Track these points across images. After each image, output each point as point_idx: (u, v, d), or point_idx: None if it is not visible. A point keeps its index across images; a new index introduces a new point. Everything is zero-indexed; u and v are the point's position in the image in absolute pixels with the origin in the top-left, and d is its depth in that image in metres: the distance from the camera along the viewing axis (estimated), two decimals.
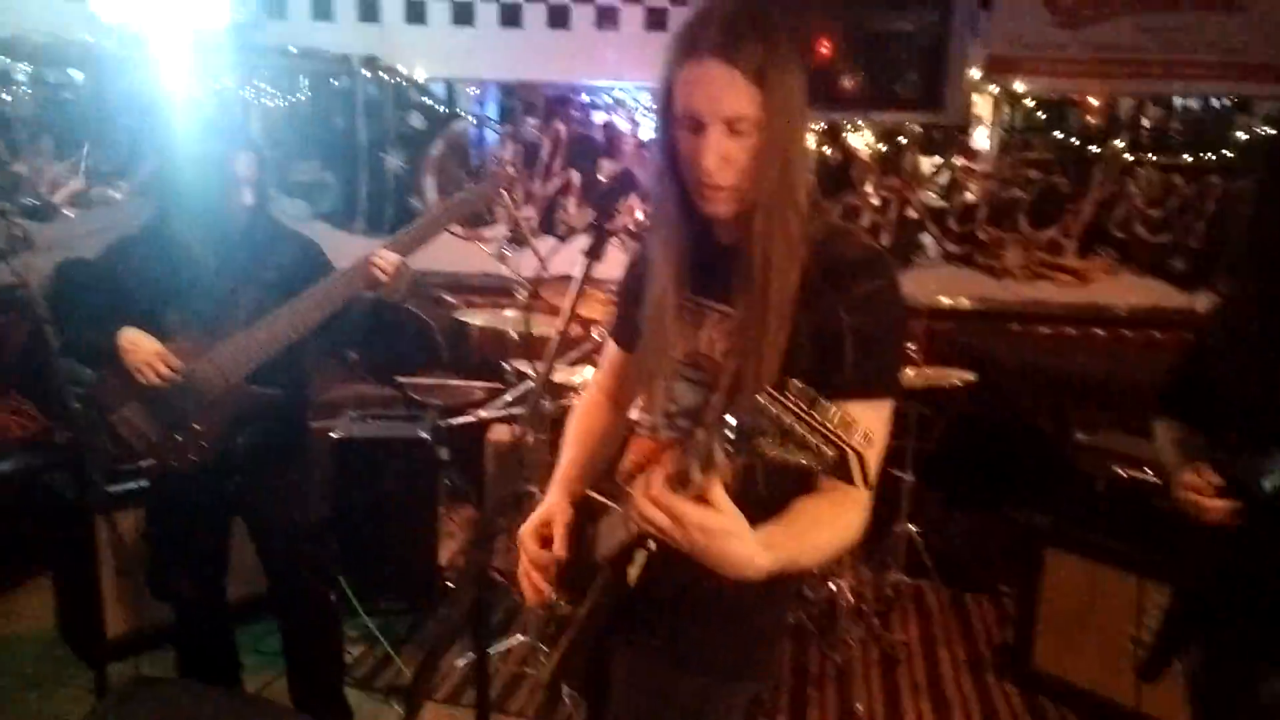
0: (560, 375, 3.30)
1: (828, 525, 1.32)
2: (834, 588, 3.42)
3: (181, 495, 2.55)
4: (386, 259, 2.40)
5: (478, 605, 1.35)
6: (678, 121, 1.32)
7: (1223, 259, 4.23)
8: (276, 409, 2.53)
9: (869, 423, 1.06)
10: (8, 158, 4.08)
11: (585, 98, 4.90)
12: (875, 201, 4.51)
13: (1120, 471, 2.90)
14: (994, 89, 4.46)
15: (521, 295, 3.52)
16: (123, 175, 4.58)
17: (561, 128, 4.75)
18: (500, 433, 3.94)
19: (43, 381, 3.64)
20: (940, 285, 4.42)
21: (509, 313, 3.58)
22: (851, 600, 3.43)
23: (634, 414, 1.61)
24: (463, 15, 4.69)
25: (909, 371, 3.34)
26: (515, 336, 3.58)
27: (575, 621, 1.49)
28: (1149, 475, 2.85)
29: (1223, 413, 1.78)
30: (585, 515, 1.54)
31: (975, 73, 4.37)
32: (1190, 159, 4.40)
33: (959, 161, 4.55)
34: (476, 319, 3.74)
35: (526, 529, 1.56)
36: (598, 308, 3.31)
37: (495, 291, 4.35)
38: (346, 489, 3.49)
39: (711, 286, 1.43)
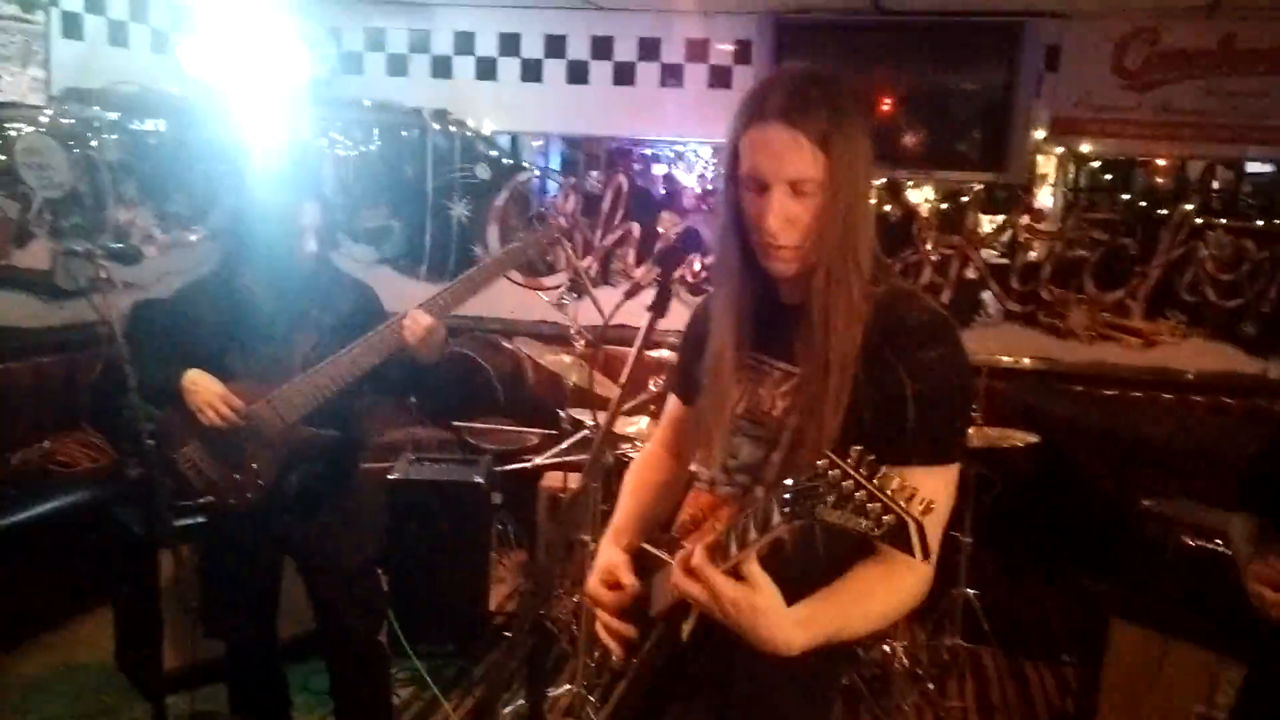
0: (617, 425, 3.31)
1: (880, 596, 1.31)
2: (888, 650, 3.35)
3: (236, 534, 2.60)
4: (418, 322, 2.41)
5: (534, 653, 1.35)
6: (743, 182, 1.34)
7: None
8: (330, 450, 2.58)
9: (931, 489, 1.05)
10: (94, 202, 4.26)
11: (647, 151, 4.99)
12: (935, 259, 4.49)
13: (1189, 541, 2.81)
14: (1058, 149, 4.43)
15: (579, 344, 3.57)
16: (199, 220, 4.76)
17: (623, 180, 4.83)
18: (554, 480, 3.96)
19: (116, 417, 3.77)
20: (1001, 344, 4.36)
21: (566, 359, 3.62)
22: (906, 663, 3.35)
23: (693, 467, 1.61)
24: (531, 72, 4.83)
25: (969, 431, 3.29)
26: (571, 384, 3.62)
27: (628, 675, 1.48)
28: (1219, 546, 2.76)
29: None
30: (641, 570, 1.54)
31: (1039, 133, 4.36)
32: (1262, 223, 4.31)
33: (1022, 220, 4.52)
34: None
35: (593, 583, 1.56)
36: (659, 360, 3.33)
37: (553, 339, 4.41)
38: (400, 530, 3.53)
39: (774, 344, 1.44)
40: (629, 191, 4.84)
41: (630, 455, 3.47)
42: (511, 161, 5.07)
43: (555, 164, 5.28)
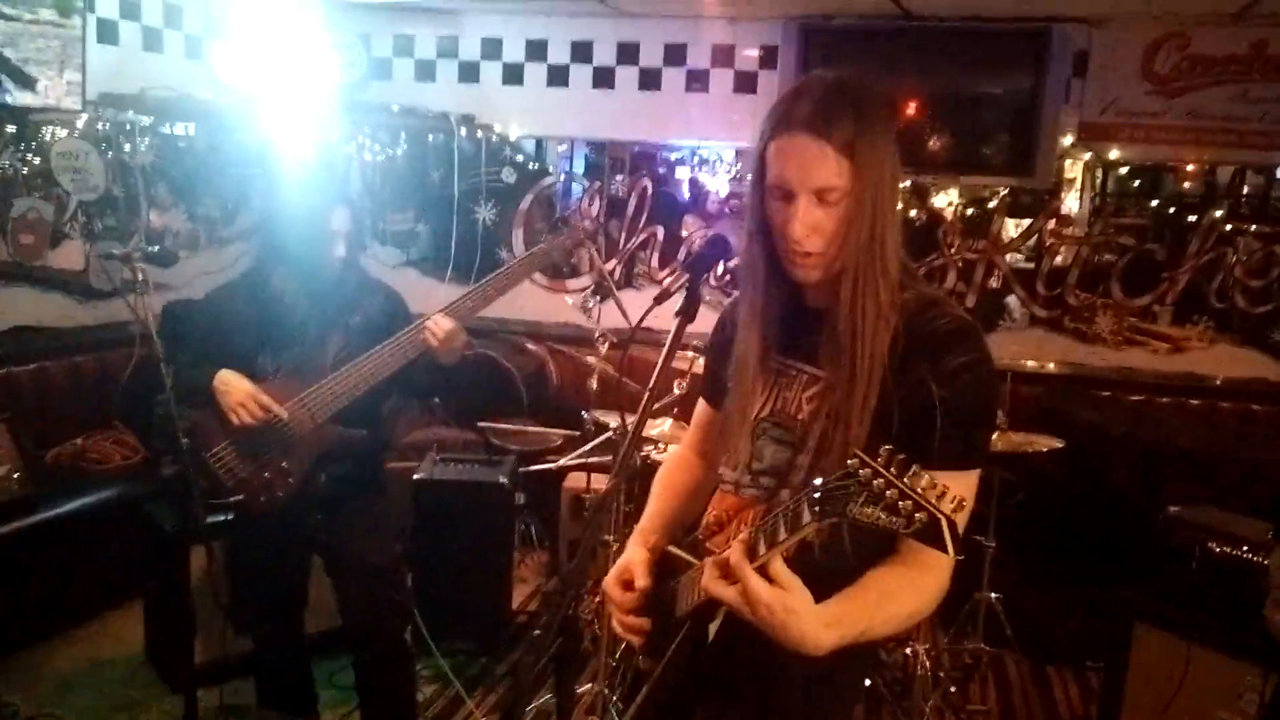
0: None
1: (904, 597, 1.33)
2: (910, 652, 3.35)
3: (265, 532, 2.64)
4: (439, 326, 2.46)
5: (562, 651, 1.38)
6: (769, 190, 1.36)
7: None
8: (358, 450, 2.63)
9: (958, 491, 1.07)
10: (127, 205, 4.34)
11: (671, 155, 5.01)
12: (961, 263, 4.48)
13: (1215, 547, 2.80)
14: (1086, 154, 4.41)
15: (603, 347, 3.59)
16: (229, 223, 4.84)
17: (647, 184, 4.86)
18: (577, 480, 3.99)
19: (149, 415, 3.83)
20: (1026, 348, 4.36)
21: (590, 360, 3.65)
22: (928, 666, 3.35)
23: (719, 469, 1.63)
24: (557, 77, 4.86)
25: (993, 436, 3.29)
26: (595, 386, 3.64)
27: (653, 676, 1.50)
28: (1246, 553, 2.74)
29: None
30: (667, 571, 1.56)
31: (1067, 138, 4.34)
32: None
33: (1049, 225, 4.50)
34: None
35: (609, 580, 1.59)
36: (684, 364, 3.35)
37: (577, 342, 4.43)
38: (424, 529, 3.56)
39: (799, 348, 1.45)
40: (653, 195, 4.87)
41: (654, 457, 3.49)
42: (537, 166, 5.11)
43: (580, 168, 5.30)
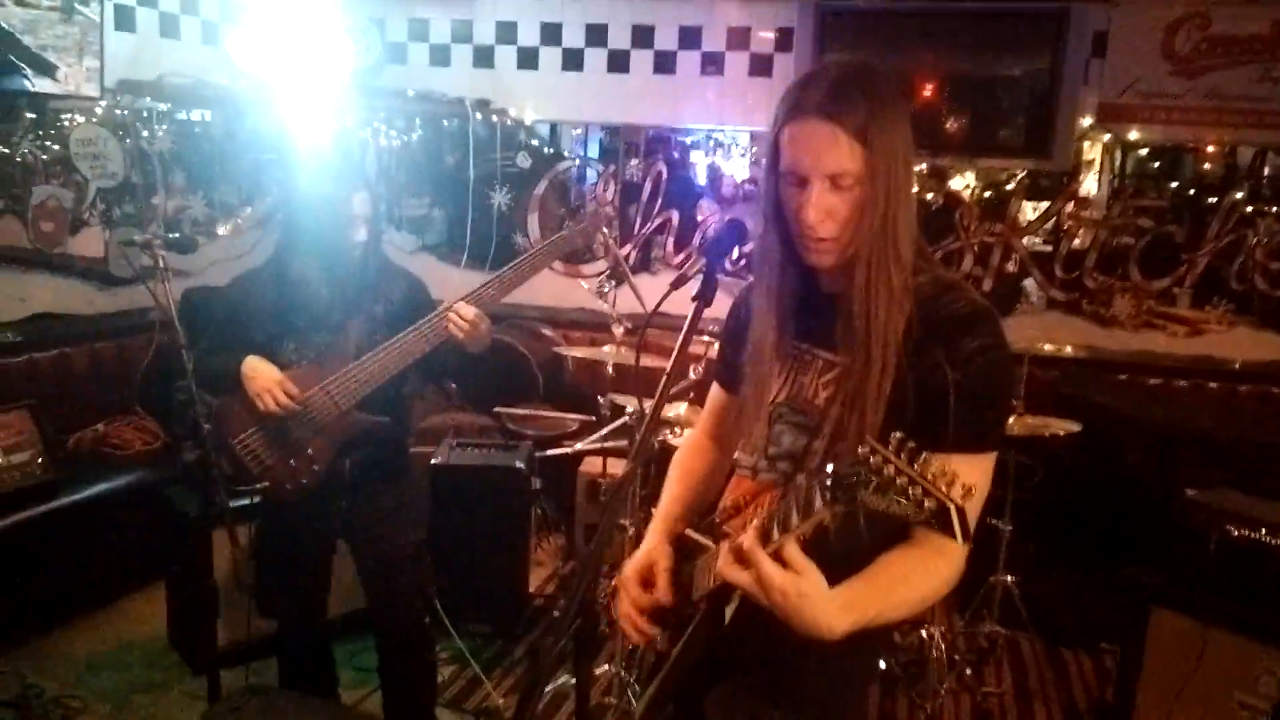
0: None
1: (917, 581, 1.33)
2: (925, 635, 3.36)
3: (291, 517, 2.66)
4: (464, 314, 2.45)
5: (581, 632, 1.39)
6: (783, 175, 1.36)
7: None
8: (382, 435, 2.64)
9: (970, 476, 1.07)
10: (145, 192, 4.38)
11: (686, 139, 5.00)
12: (978, 246, 4.46)
13: (1233, 530, 2.79)
14: (1105, 136, 4.38)
15: (619, 331, 3.60)
16: (246, 209, 4.87)
17: (662, 168, 4.85)
18: (592, 465, 4.01)
19: (170, 401, 3.88)
20: (1043, 332, 4.33)
21: (606, 348, 3.66)
22: (943, 649, 3.36)
23: (735, 454, 1.64)
24: (572, 61, 4.86)
25: (1010, 419, 3.28)
26: (611, 371, 3.65)
27: (670, 658, 1.52)
28: (1264, 536, 2.73)
29: None
30: (683, 554, 1.57)
31: (1085, 120, 4.31)
32: None
33: (1067, 207, 4.47)
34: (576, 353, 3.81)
35: (629, 572, 1.59)
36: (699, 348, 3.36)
37: (592, 327, 4.44)
38: (442, 514, 3.59)
39: (816, 333, 1.46)
40: (668, 179, 4.86)
41: (669, 441, 3.51)
42: (552, 150, 5.11)
43: (595, 152, 5.30)
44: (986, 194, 4.57)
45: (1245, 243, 4.22)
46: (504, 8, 4.89)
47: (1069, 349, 4.04)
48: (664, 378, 1.49)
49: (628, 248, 4.89)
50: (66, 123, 4.07)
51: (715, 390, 1.78)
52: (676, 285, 1.60)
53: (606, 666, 3.30)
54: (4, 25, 3.70)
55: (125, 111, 4.27)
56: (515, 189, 5.02)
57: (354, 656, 3.37)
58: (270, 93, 4.60)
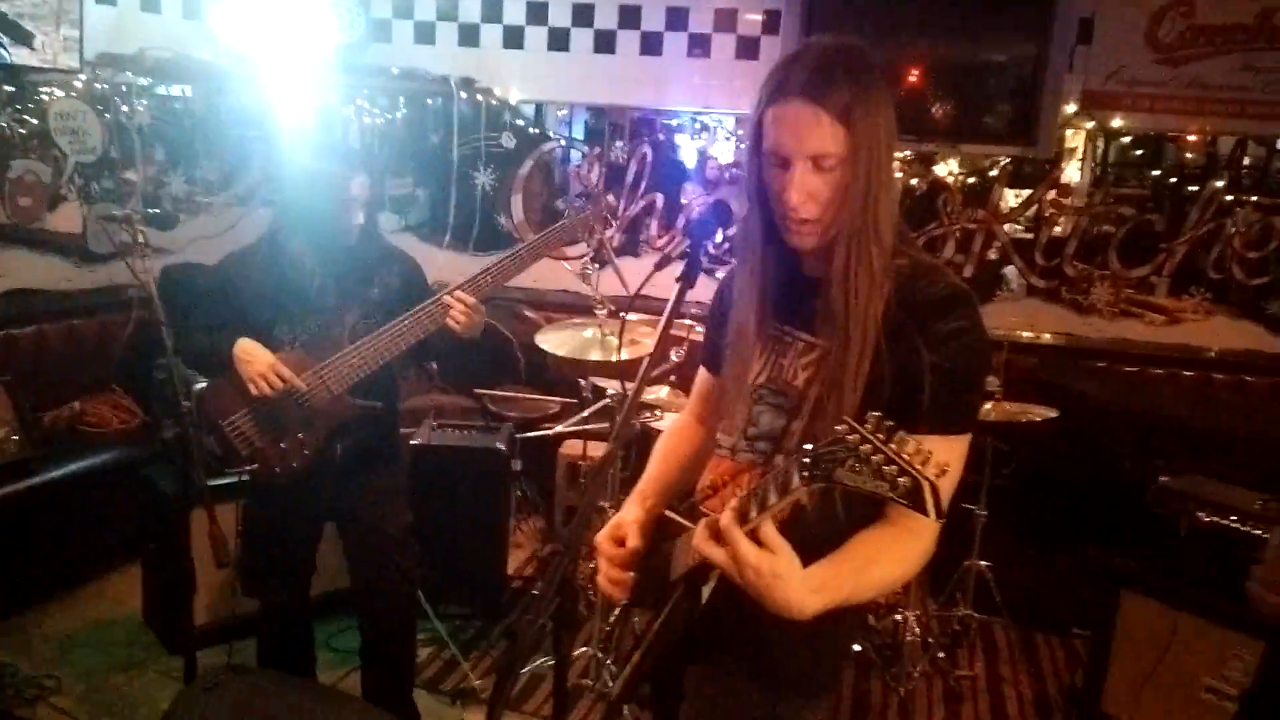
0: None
1: (888, 560, 1.35)
2: (900, 619, 3.39)
3: (280, 499, 2.64)
4: (461, 301, 2.43)
5: (560, 611, 1.40)
6: (766, 156, 1.36)
7: None
8: (374, 419, 2.63)
9: (944, 456, 1.08)
10: (125, 167, 4.32)
11: (672, 121, 4.98)
12: (960, 233, 4.47)
13: (1204, 517, 2.83)
14: (1088, 124, 4.39)
15: (602, 314, 3.59)
16: (227, 186, 4.82)
17: (647, 150, 4.84)
18: (573, 447, 4.01)
19: (149, 379, 3.85)
20: (1023, 318, 4.35)
21: (588, 331, 3.65)
22: (918, 632, 3.39)
23: (717, 435, 1.65)
24: (558, 41, 4.82)
25: (988, 405, 3.31)
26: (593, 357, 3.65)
27: (648, 638, 1.53)
28: (1234, 522, 2.77)
29: None
30: (662, 535, 1.58)
31: (1069, 107, 4.32)
32: None
33: (1049, 195, 4.49)
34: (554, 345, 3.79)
35: (602, 534, 1.61)
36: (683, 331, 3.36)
37: (575, 309, 4.43)
38: (421, 495, 3.59)
39: (797, 315, 1.46)
40: (653, 162, 4.84)
41: (650, 423, 3.51)
42: (537, 131, 5.08)
43: (580, 133, 5.27)
44: (970, 180, 4.58)
45: (1223, 232, 4.25)
46: None
47: (1048, 336, 4.07)
48: (645, 360, 1.49)
49: (612, 230, 4.87)
50: (45, 96, 4.01)
51: (701, 373, 1.79)
52: (660, 266, 1.61)
53: (584, 648, 3.32)
54: None
55: (105, 85, 4.21)
56: (499, 169, 4.99)
57: (331, 638, 3.37)
58: (253, 68, 4.55)
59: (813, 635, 1.45)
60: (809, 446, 1.12)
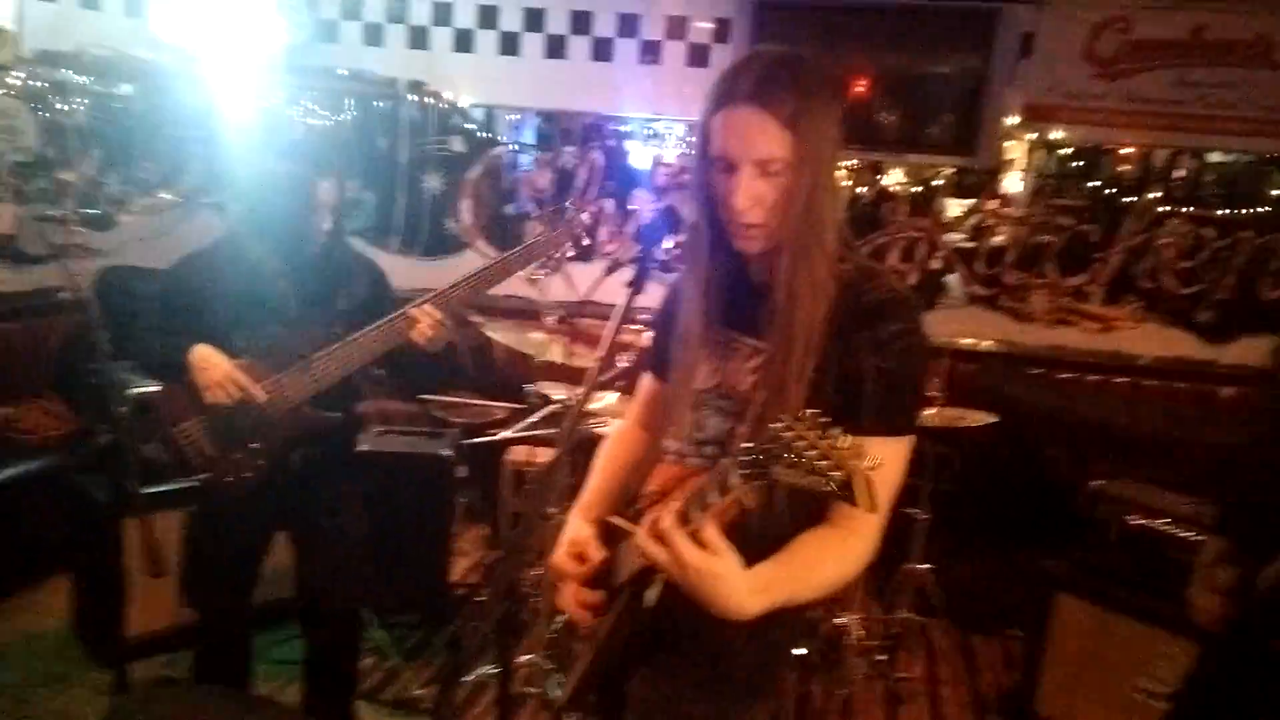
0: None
1: (830, 560, 1.37)
2: (842, 622, 3.43)
3: (231, 508, 2.56)
4: (430, 316, 2.38)
5: (506, 618, 1.39)
6: (713, 162, 1.38)
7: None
8: (334, 428, 2.57)
9: (883, 457, 1.10)
10: (61, 167, 4.21)
11: (623, 127, 4.99)
12: (904, 241, 4.55)
13: (1135, 520, 2.90)
14: (1029, 136, 4.49)
15: (551, 319, 3.58)
16: (167, 186, 4.72)
17: (598, 156, 4.84)
18: (519, 454, 3.99)
19: (84, 383, 3.74)
20: (964, 326, 4.45)
21: (536, 335, 3.64)
22: (859, 635, 3.43)
23: (665, 441, 1.65)
24: (509, 45, 4.81)
25: (930, 411, 3.36)
26: (539, 359, 3.63)
27: (593, 645, 1.52)
28: (1163, 525, 2.85)
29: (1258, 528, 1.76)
30: (607, 541, 1.58)
31: (1010, 119, 4.41)
32: (1222, 213, 4.41)
33: (990, 204, 4.58)
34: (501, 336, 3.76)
35: (560, 556, 1.60)
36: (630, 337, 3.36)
37: (523, 314, 4.41)
38: (365, 501, 3.53)
39: (744, 321, 1.48)
40: (604, 168, 4.85)
41: (597, 429, 3.51)
42: (487, 135, 5.05)
43: (530, 138, 5.26)
44: (915, 189, 4.66)
45: (1155, 242, 4.37)
46: None
47: (988, 343, 4.16)
48: (594, 365, 1.50)
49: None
50: None
51: (646, 379, 1.79)
52: (609, 271, 1.61)
53: (529, 656, 3.30)
54: None
55: (42, 83, 4.10)
56: (449, 173, 4.95)
57: (268, 649, 3.30)
58: (195, 68, 4.46)
59: (758, 638, 1.47)
60: (748, 445, 1.13)
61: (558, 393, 3.53)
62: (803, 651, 3.43)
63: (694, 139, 1.43)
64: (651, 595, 1.44)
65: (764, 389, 1.40)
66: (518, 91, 4.91)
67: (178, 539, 2.90)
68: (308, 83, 4.88)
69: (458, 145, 4.90)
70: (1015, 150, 4.57)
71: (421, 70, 4.86)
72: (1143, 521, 2.89)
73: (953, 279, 4.60)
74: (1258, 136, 4.23)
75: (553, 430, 3.60)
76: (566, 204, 4.90)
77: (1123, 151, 4.52)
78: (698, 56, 4.66)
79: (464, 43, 4.85)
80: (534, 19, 4.78)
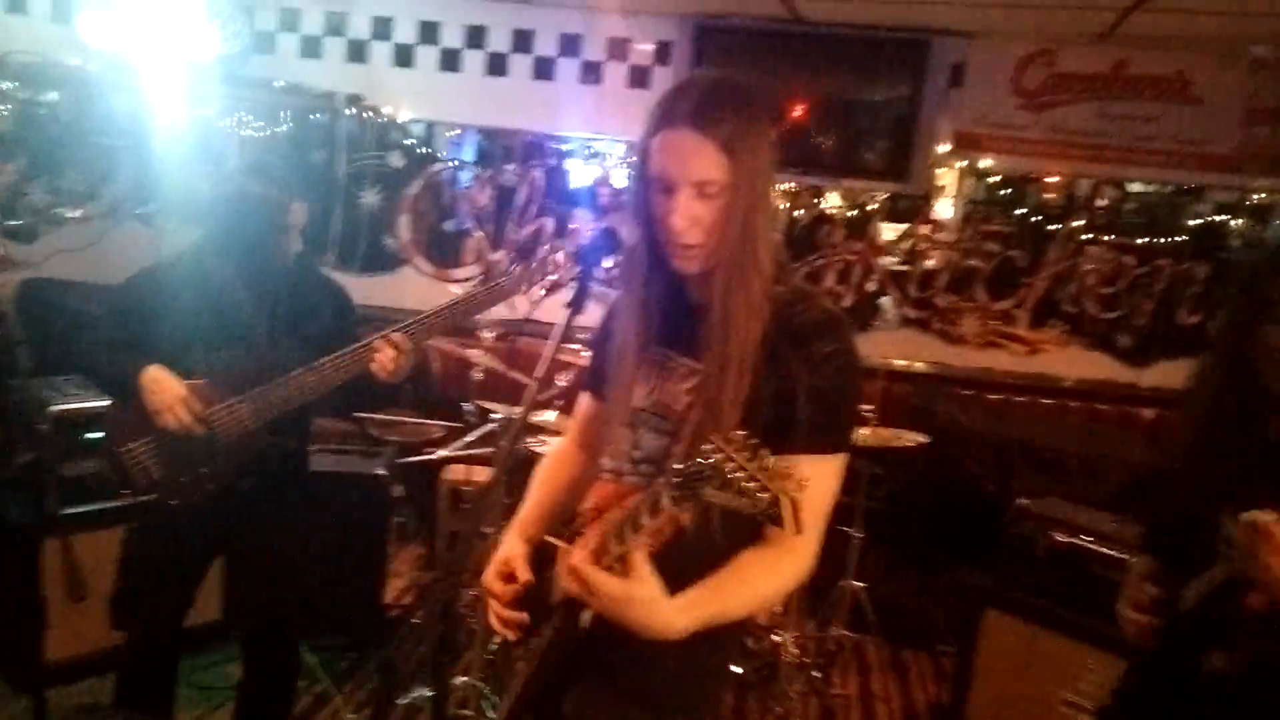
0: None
1: (761, 576, 1.39)
2: (777, 640, 3.45)
3: (171, 530, 2.49)
4: (393, 347, 2.32)
5: (441, 640, 1.38)
6: (652, 183, 1.39)
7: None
8: (285, 454, 2.51)
9: (817, 476, 1.12)
10: None
11: (564, 146, 5.00)
12: (840, 264, 4.63)
13: (1059, 537, 2.98)
14: (959, 163, 4.62)
15: (488, 337, 3.57)
16: (93, 197, 4.59)
17: (538, 174, 4.84)
18: (456, 473, 3.95)
19: (4, 399, 3.60)
20: (897, 348, 4.54)
21: (474, 353, 3.62)
22: (795, 653, 3.46)
23: (602, 459, 1.65)
24: (450, 62, 4.80)
25: (864, 431, 3.42)
26: (477, 377, 3.61)
27: (528, 663, 1.52)
28: (1087, 542, 2.93)
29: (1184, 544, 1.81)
30: (543, 561, 1.57)
31: (942, 146, 4.54)
32: (1142, 241, 4.58)
33: (923, 229, 4.70)
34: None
35: (489, 574, 1.60)
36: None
37: (460, 332, 4.38)
38: (299, 522, 3.47)
39: (681, 341, 1.49)
40: (544, 186, 4.85)
41: (535, 448, 3.49)
42: (426, 151, 5.02)
43: (471, 155, 5.24)
44: (851, 213, 4.76)
45: (1079, 269, 4.53)
46: (380, 3, 4.79)
47: (920, 364, 4.25)
48: (533, 384, 1.50)
49: (500, 253, 4.85)
50: None
51: (584, 398, 1.79)
52: (549, 291, 1.61)
53: (464, 678, 3.26)
54: None
55: None
56: (387, 189, 4.91)
57: (191, 674, 3.20)
58: (125, 76, 4.35)
59: (694, 657, 1.47)
60: (678, 467, 1.15)
61: (495, 410, 3.51)
62: (739, 670, 3.45)
63: (634, 159, 1.44)
64: (587, 616, 1.44)
65: (699, 408, 1.41)
66: (458, 108, 4.90)
67: (101, 560, 2.81)
68: (243, 94, 4.80)
69: (396, 161, 4.86)
70: (947, 177, 4.70)
71: (360, 84, 4.82)
72: (1068, 539, 2.96)
73: (887, 301, 4.70)
74: (1176, 168, 4.41)
75: (490, 449, 3.58)
76: (543, 246, 4.86)
77: (1048, 180, 4.67)
78: (639, 78, 4.71)
79: (404, 58, 4.83)
80: (475, 36, 4.78)
